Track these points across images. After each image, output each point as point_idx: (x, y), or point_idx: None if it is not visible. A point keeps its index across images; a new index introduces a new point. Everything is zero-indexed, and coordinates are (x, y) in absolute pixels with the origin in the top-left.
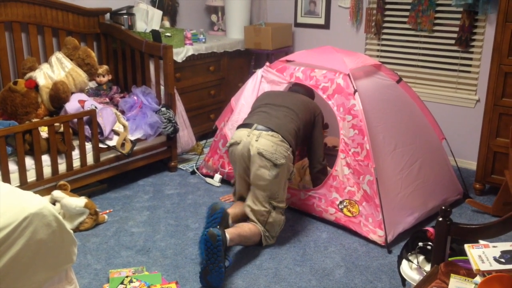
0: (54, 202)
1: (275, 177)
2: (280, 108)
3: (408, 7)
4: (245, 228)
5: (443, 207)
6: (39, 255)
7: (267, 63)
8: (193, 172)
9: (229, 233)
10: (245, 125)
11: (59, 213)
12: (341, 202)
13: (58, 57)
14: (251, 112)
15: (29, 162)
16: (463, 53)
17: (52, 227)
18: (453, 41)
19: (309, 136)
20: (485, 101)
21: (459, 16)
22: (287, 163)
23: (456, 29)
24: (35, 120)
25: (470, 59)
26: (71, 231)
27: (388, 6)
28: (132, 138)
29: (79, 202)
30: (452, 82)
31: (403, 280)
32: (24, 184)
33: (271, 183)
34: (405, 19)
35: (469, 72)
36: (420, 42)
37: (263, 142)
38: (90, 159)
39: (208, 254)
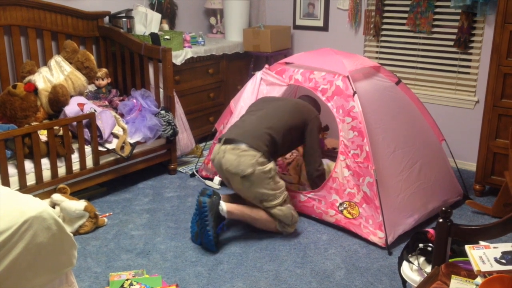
0: (53, 205)
1: (250, 187)
2: (257, 112)
3: (407, 8)
4: (252, 207)
5: (444, 208)
6: (39, 258)
7: (266, 65)
8: (192, 175)
9: (229, 205)
10: (219, 139)
11: (59, 217)
12: (341, 204)
13: (57, 60)
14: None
15: (28, 165)
16: (462, 54)
17: (52, 230)
18: (452, 43)
19: (303, 143)
20: (485, 102)
21: (457, 17)
22: (255, 170)
23: (455, 30)
24: (34, 123)
25: (469, 60)
26: (71, 234)
27: (386, 8)
28: (132, 141)
29: (79, 205)
30: (451, 83)
31: (404, 282)
32: (23, 188)
33: (250, 191)
34: (404, 21)
35: (468, 73)
36: (419, 44)
37: (228, 157)
38: (89, 162)
39: (199, 218)
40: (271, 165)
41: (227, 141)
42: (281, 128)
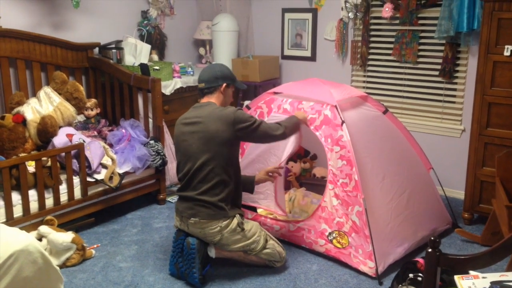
0: (40, 237)
1: (227, 246)
2: (195, 163)
3: (392, 39)
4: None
5: (432, 238)
6: None
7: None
8: None
9: (217, 250)
10: (175, 209)
11: (46, 249)
12: (330, 234)
13: (46, 91)
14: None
15: (15, 197)
16: (447, 84)
17: (38, 264)
18: (437, 72)
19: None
20: (471, 131)
21: (442, 48)
22: (223, 235)
23: (440, 60)
24: (22, 154)
25: (454, 89)
26: (58, 268)
27: (372, 39)
28: (120, 171)
29: (66, 237)
30: (438, 112)
31: None
32: (10, 220)
33: (230, 249)
34: (390, 51)
35: (453, 102)
36: (405, 74)
37: (192, 230)
38: (77, 193)
39: (184, 259)
40: (235, 219)
41: (184, 215)
42: (216, 159)
